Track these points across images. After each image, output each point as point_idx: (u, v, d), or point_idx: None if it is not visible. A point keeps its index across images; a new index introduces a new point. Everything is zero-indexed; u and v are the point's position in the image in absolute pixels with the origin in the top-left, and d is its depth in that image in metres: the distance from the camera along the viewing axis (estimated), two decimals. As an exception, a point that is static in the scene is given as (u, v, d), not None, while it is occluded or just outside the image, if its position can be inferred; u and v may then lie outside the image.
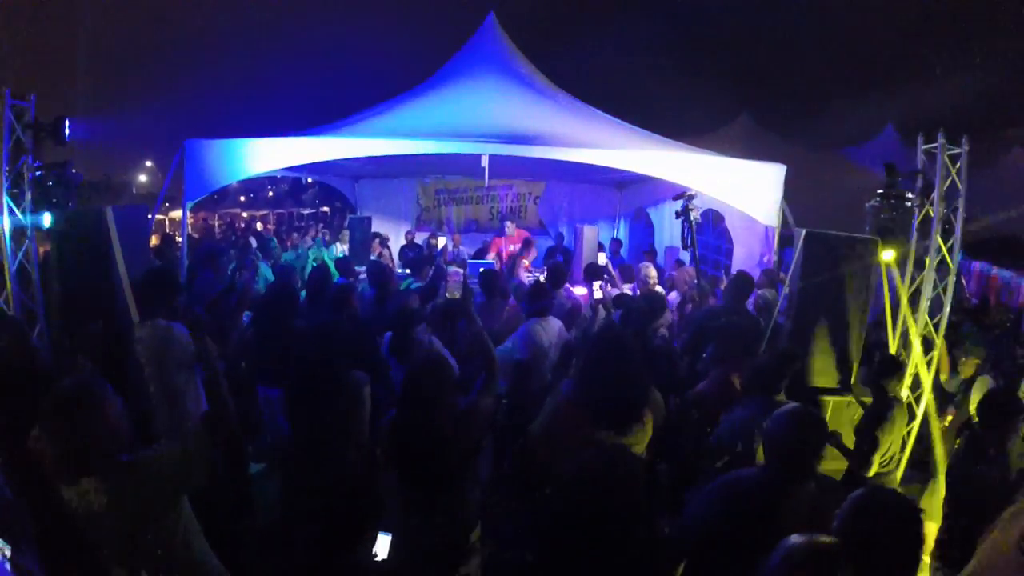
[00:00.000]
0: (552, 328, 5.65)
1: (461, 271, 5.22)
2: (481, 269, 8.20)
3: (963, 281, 13.10)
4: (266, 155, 8.22)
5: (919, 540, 2.33)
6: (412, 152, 8.44)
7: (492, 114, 9.10)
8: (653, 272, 8.08)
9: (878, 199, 6.48)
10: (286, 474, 4.08)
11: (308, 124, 10.28)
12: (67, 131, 5.82)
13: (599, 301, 6.79)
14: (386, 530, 2.79)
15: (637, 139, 9.47)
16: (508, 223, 12.64)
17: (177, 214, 12.31)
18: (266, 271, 9.54)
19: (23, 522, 2.47)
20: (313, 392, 3.85)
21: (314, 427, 3.87)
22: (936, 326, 6.47)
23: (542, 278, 7.73)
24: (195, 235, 19.70)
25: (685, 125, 16.80)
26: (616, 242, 13.38)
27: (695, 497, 3.33)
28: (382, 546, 2.76)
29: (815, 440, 3.04)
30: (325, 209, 33.63)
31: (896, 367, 5.25)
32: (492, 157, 8.60)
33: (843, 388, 5.72)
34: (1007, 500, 3.26)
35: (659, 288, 8.07)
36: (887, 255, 6.32)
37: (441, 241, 12.85)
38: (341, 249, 12.49)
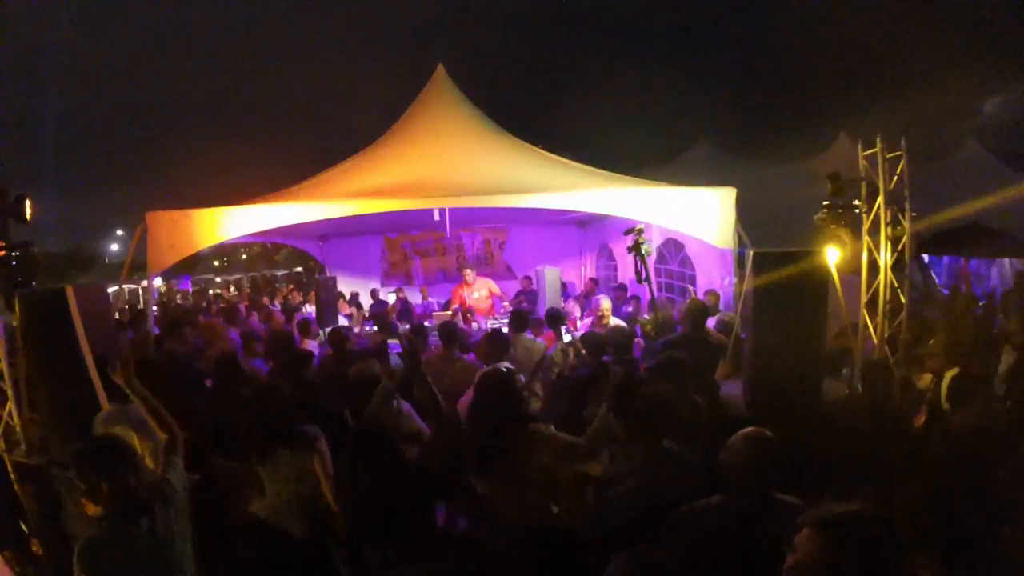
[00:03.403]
0: None
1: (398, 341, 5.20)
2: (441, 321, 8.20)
3: (933, 276, 13.27)
4: (227, 223, 8.21)
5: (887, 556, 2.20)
6: (369, 212, 8.48)
7: (449, 167, 9.18)
8: (605, 304, 8.11)
9: (824, 210, 6.60)
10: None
11: (268, 188, 10.35)
12: (28, 210, 5.84)
13: (569, 344, 6.80)
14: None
15: (589, 178, 9.55)
16: (467, 271, 12.44)
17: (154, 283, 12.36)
18: (234, 337, 9.48)
19: None
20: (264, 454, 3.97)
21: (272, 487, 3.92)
22: (899, 326, 6.55)
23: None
24: (169, 303, 19.65)
25: (644, 156, 17.05)
26: (592, 282, 13.44)
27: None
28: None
29: (772, 463, 3.00)
30: (299, 270, 33.67)
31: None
32: (453, 208, 8.67)
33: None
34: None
35: (614, 320, 8.08)
36: (834, 263, 6.41)
37: (391, 297, 12.82)
38: (309, 309, 12.46)
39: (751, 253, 6.05)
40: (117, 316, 11.48)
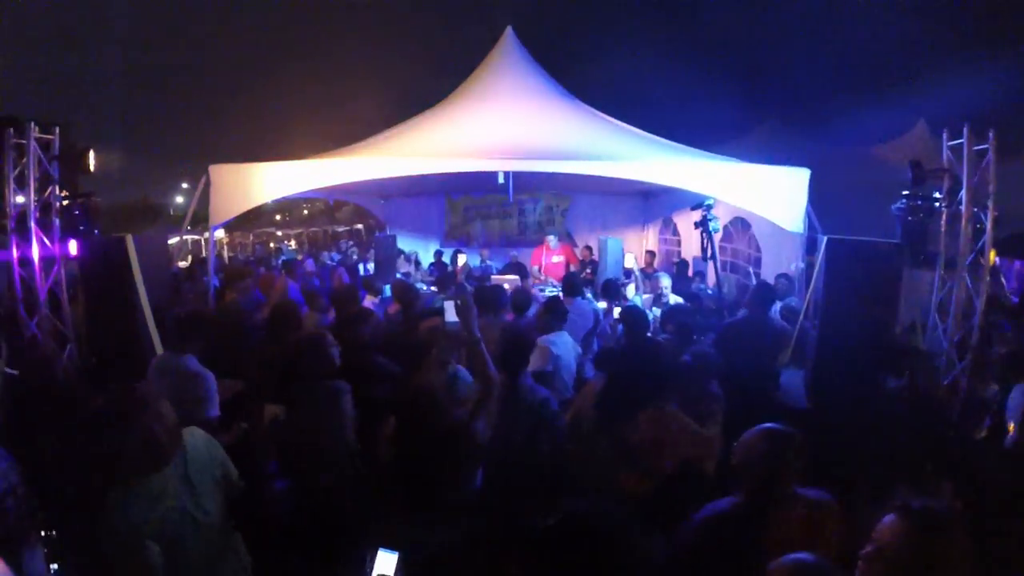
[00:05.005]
0: (565, 342, 5.60)
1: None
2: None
3: (1002, 280, 12.72)
4: (288, 178, 8.31)
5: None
6: (434, 171, 8.48)
7: (514, 130, 9.09)
8: (665, 282, 8.01)
9: (904, 200, 6.32)
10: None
11: (333, 145, 10.39)
12: (91, 162, 5.99)
13: (619, 320, 6.72)
14: (393, 548, 2.76)
15: (658, 149, 9.38)
16: (551, 237, 12.99)
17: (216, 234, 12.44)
18: (294, 291, 9.58)
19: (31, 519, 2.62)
20: (299, 401, 4.11)
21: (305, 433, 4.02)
22: (971, 330, 6.24)
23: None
24: (230, 255, 20.03)
25: (711, 132, 16.66)
26: (650, 254, 13.34)
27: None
28: (389, 565, 2.72)
29: (792, 461, 2.81)
30: (359, 226, 33.92)
31: None
32: (517, 172, 8.61)
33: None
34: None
35: (674, 297, 7.98)
36: (913, 259, 6.15)
37: (462, 258, 12.93)
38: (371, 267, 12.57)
39: (825, 239, 5.86)
40: (183, 264, 11.77)
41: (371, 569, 2.66)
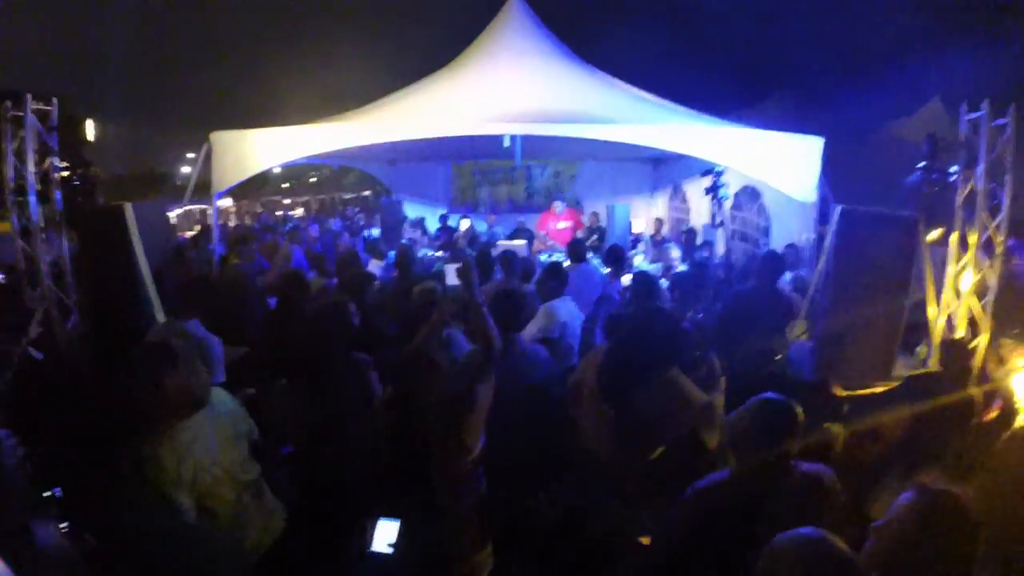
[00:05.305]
0: (569, 308, 5.60)
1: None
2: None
3: (1016, 260, 12.53)
4: (292, 144, 8.22)
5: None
6: (440, 134, 8.35)
7: (521, 93, 8.93)
8: (674, 253, 7.94)
9: (919, 174, 6.19)
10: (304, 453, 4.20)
11: (339, 110, 10.26)
12: (89, 131, 6.01)
13: (627, 288, 6.63)
14: (395, 516, 2.72)
15: (669, 114, 9.22)
16: (557, 202, 13.18)
17: (221, 203, 12.26)
18: (298, 256, 9.55)
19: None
20: (318, 374, 3.98)
21: (324, 408, 3.94)
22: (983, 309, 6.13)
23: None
24: (235, 223, 19.97)
25: (722, 101, 16.44)
26: (658, 222, 13.27)
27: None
28: (391, 532, 2.69)
29: (789, 433, 2.72)
30: (367, 193, 33.84)
31: None
32: (525, 137, 8.49)
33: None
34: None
35: (684, 267, 7.91)
36: (930, 234, 6.02)
37: (464, 223, 12.90)
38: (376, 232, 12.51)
39: (838, 209, 5.73)
40: (190, 234, 11.73)
41: (372, 538, 2.64)
